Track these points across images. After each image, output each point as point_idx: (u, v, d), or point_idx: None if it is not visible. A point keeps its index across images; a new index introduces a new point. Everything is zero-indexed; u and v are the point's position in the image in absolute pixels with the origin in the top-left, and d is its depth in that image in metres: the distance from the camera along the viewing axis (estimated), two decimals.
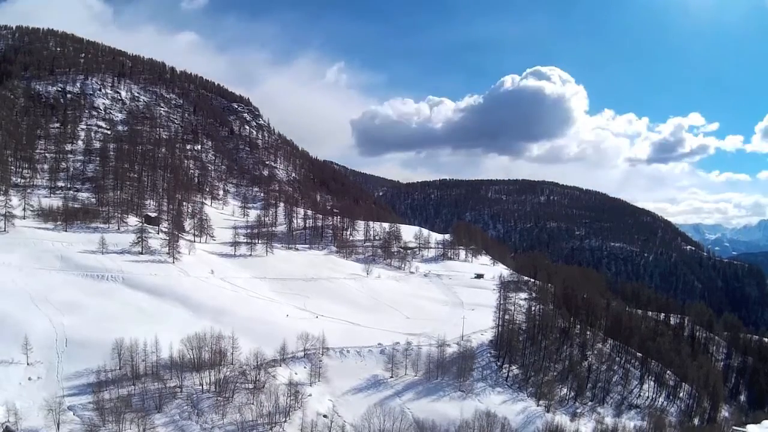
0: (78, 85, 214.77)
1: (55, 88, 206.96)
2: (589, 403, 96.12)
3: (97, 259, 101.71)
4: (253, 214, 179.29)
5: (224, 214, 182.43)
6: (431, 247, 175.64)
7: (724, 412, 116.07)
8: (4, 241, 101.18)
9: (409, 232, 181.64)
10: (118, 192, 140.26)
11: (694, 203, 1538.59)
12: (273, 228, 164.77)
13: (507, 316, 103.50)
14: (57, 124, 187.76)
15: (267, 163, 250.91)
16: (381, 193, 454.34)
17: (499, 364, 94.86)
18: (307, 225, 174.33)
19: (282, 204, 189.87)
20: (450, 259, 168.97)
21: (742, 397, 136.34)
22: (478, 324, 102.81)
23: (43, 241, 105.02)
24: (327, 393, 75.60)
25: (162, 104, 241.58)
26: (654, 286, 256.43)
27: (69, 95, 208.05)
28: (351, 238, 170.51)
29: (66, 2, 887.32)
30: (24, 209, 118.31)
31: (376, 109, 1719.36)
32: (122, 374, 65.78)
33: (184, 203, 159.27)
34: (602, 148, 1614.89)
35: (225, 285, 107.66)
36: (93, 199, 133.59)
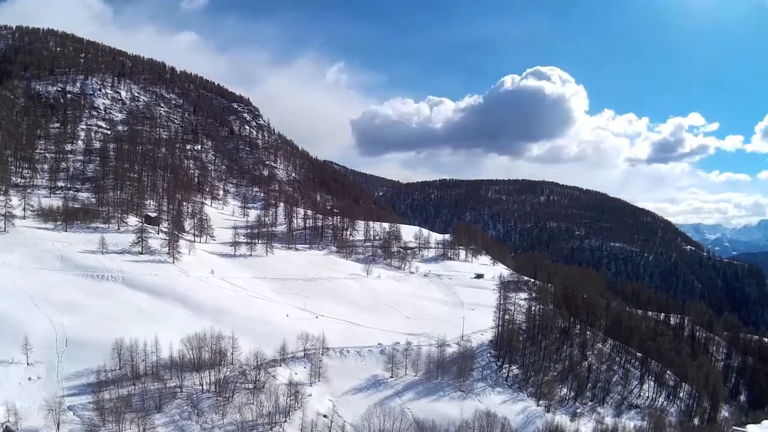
0: (78, 85, 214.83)
1: (55, 88, 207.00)
2: (589, 403, 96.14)
3: (97, 259, 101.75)
4: (253, 214, 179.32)
5: (224, 214, 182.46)
6: (431, 247, 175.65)
7: (724, 412, 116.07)
8: (4, 241, 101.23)
9: (409, 232, 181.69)
10: (118, 192, 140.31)
11: (694, 203, 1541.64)
12: (273, 228, 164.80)
13: (507, 316, 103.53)
14: (57, 124, 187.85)
15: (267, 163, 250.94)
16: (381, 193, 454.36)
17: (499, 364, 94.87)
18: (307, 225, 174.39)
19: (282, 204, 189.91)
20: (450, 259, 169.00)
21: (742, 397, 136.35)
22: (478, 324, 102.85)
23: (43, 241, 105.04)
24: (327, 393, 75.61)
25: (162, 104, 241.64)
26: (654, 286, 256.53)
27: (69, 95, 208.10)
28: (351, 238, 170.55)
29: (66, 2, 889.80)
30: (24, 209, 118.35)
31: (376, 109, 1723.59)
32: (122, 374, 65.77)
33: (184, 203, 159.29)
34: (602, 148, 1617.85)
35: (225, 285, 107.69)
36: (93, 199, 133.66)
